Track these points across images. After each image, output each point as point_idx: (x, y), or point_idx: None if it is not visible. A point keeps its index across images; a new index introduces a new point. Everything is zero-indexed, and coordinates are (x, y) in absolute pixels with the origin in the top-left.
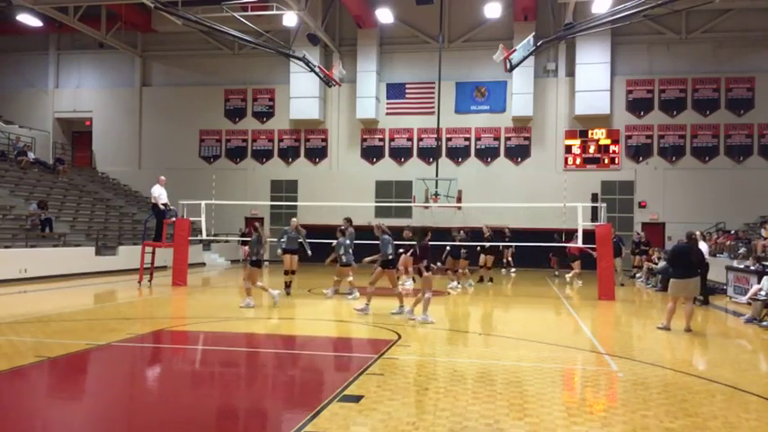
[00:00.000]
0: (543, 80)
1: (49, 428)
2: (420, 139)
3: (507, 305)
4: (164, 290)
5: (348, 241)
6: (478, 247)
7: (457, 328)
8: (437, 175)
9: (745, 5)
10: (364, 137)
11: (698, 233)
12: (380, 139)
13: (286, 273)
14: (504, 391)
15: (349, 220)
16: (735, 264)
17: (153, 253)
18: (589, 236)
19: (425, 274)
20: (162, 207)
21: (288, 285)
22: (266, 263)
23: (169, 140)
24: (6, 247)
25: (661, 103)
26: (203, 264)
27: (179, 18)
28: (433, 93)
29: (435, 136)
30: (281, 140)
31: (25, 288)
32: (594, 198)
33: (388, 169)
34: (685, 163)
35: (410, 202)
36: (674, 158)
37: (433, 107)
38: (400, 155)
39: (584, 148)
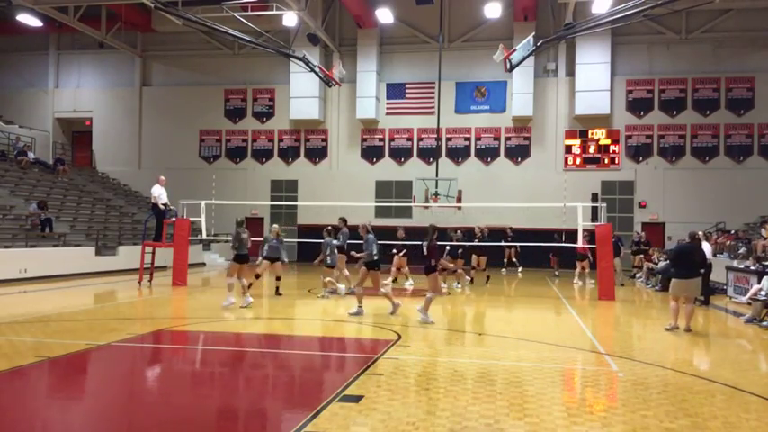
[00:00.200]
0: (543, 80)
1: (48, 428)
2: (420, 139)
3: (507, 305)
4: (164, 290)
5: (335, 242)
6: (469, 248)
7: (457, 328)
8: (437, 175)
9: (745, 5)
10: (364, 137)
11: (701, 233)
12: (380, 139)
13: (257, 276)
14: (504, 391)
15: (344, 220)
16: (735, 264)
17: (153, 253)
18: (589, 236)
19: (432, 273)
20: (162, 207)
21: (276, 290)
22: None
23: (169, 140)
24: (6, 247)
25: (661, 103)
26: (203, 264)
27: (179, 18)
28: (432, 93)
29: (435, 136)
30: (281, 140)
31: (25, 288)
32: (594, 198)
33: (388, 169)
34: (685, 163)
35: (410, 202)
36: (674, 158)
37: (432, 107)
38: (400, 155)
39: (584, 148)
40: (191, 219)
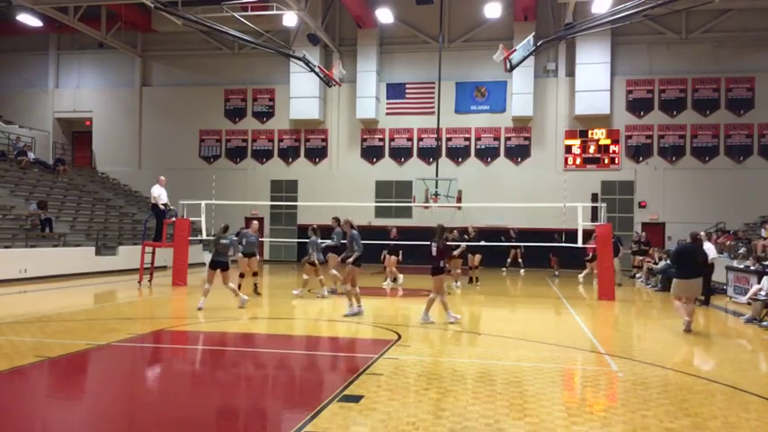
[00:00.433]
0: (543, 80)
1: (48, 428)
2: (420, 139)
3: (507, 305)
4: (164, 290)
5: (329, 242)
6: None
7: (457, 328)
8: (437, 175)
9: (745, 5)
10: (364, 137)
11: (702, 233)
12: (380, 139)
13: (242, 276)
14: (504, 391)
15: (337, 220)
16: (735, 264)
17: (153, 253)
18: (586, 235)
19: (439, 275)
20: (162, 207)
21: (255, 287)
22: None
23: (169, 140)
24: (6, 247)
25: (661, 103)
26: (203, 264)
27: (179, 18)
28: (432, 93)
29: (435, 136)
30: (281, 140)
31: (25, 288)
32: (594, 198)
33: (388, 169)
34: (685, 163)
35: (410, 202)
36: (673, 158)
37: (432, 107)
38: (400, 155)
39: (584, 148)
40: (191, 219)
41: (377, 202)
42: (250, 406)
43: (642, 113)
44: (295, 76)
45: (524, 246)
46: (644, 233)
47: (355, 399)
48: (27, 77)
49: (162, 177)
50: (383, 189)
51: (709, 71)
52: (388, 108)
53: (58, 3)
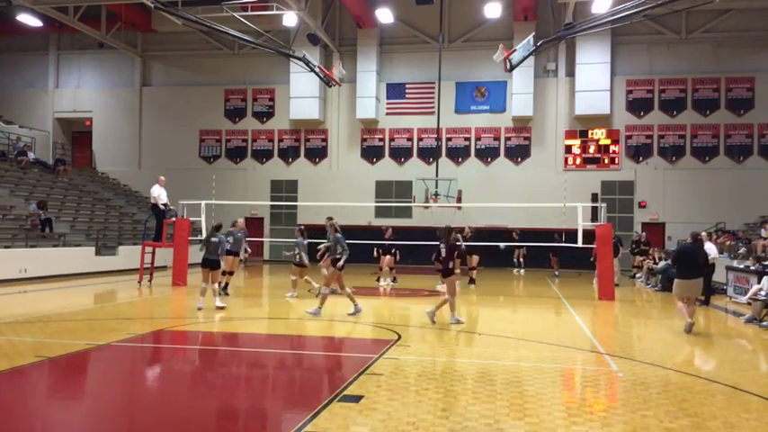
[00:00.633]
0: (543, 80)
1: (48, 428)
2: (420, 139)
3: (507, 305)
4: (164, 290)
5: (306, 242)
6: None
7: (457, 328)
8: (437, 175)
9: (745, 5)
10: (364, 137)
11: (704, 234)
12: (380, 139)
13: (224, 273)
14: (504, 391)
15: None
16: (735, 264)
17: (153, 253)
18: (589, 236)
19: (450, 277)
20: (162, 207)
21: (225, 287)
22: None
23: (169, 140)
24: (6, 247)
25: (661, 103)
26: None
27: (179, 18)
28: (432, 93)
29: (435, 136)
30: (281, 140)
31: (25, 288)
32: (594, 198)
33: (388, 169)
34: (685, 163)
35: (410, 202)
36: (673, 158)
37: (432, 107)
38: (400, 155)
39: (584, 148)
40: (191, 219)
41: (377, 202)
42: (250, 406)
43: (642, 113)
44: (295, 76)
45: (527, 246)
46: (644, 233)
47: (355, 399)
48: (27, 77)
49: (162, 177)
50: (383, 189)
51: (709, 71)
52: (388, 108)
53: (58, 3)
